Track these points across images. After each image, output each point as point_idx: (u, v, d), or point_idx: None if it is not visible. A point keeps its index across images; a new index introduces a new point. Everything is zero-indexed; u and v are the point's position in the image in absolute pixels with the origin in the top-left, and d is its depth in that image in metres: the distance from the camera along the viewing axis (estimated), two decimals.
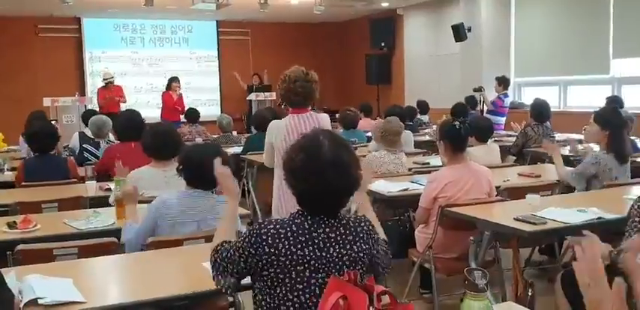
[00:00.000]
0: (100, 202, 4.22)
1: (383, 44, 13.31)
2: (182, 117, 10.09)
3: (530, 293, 3.46)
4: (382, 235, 2.31)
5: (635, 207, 2.79)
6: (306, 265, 1.95)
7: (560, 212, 3.46)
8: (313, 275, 1.95)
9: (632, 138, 5.74)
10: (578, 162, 4.80)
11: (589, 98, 9.43)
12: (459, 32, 10.70)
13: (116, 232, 3.30)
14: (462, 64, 11.21)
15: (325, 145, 2.01)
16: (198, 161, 3.19)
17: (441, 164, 5.07)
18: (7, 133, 8.54)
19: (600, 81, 9.34)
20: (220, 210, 3.20)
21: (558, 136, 7.37)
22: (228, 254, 2.08)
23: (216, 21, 14.23)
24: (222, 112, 12.91)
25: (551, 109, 7.13)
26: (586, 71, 9.49)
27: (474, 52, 10.88)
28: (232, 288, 2.10)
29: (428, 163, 5.63)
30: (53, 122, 8.37)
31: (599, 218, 3.38)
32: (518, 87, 10.99)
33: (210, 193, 3.24)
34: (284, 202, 3.90)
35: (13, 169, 5.52)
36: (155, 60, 13.85)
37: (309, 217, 2.01)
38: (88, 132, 6.69)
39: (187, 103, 11.52)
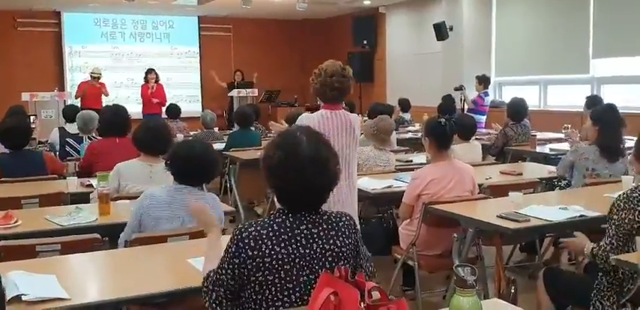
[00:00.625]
0: (81, 198, 4.19)
1: (365, 42, 13.31)
2: (163, 110, 10.01)
3: (512, 290, 3.49)
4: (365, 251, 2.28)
5: (615, 204, 2.83)
6: (292, 263, 1.93)
7: (542, 209, 3.49)
8: (300, 272, 1.93)
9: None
10: (557, 159, 4.88)
11: (569, 97, 9.51)
12: (441, 31, 10.73)
13: (99, 228, 3.29)
14: (443, 62, 11.26)
15: (303, 142, 1.98)
16: (187, 157, 3.19)
17: (423, 161, 5.12)
18: None
19: (580, 81, 9.42)
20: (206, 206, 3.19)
21: (539, 135, 7.42)
22: (218, 277, 2.02)
23: (198, 16, 14.14)
24: (203, 108, 12.89)
25: (532, 108, 7.21)
26: (566, 70, 9.56)
27: (455, 50, 10.93)
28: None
29: (411, 161, 5.66)
30: (32, 117, 8.30)
31: (582, 215, 3.42)
32: (499, 86, 11.05)
33: (198, 189, 3.23)
34: None
35: None
36: (136, 55, 13.73)
37: (289, 215, 1.99)
38: (68, 128, 6.64)
39: (168, 99, 11.43)
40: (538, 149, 6.48)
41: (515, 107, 6.86)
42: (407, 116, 9.86)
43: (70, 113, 7.13)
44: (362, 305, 1.47)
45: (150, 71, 11.44)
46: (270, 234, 1.95)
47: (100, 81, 11.38)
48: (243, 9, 11.95)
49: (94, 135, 6.17)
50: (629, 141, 4.77)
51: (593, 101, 7.28)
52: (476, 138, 7.24)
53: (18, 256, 2.74)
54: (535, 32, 10.04)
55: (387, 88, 13.12)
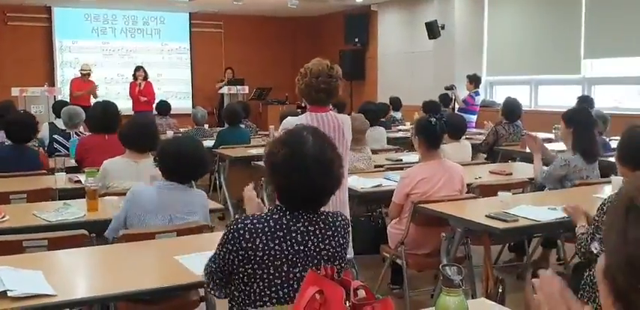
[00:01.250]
0: (69, 194, 4.16)
1: (357, 40, 13.30)
2: (154, 107, 9.97)
3: (500, 290, 3.50)
4: None
5: (600, 207, 2.84)
6: (284, 260, 1.94)
7: (531, 210, 3.49)
8: (291, 269, 1.94)
9: (605, 138, 5.81)
10: (547, 160, 4.86)
11: (560, 98, 9.54)
12: (433, 29, 10.74)
13: (87, 224, 3.27)
14: (435, 61, 11.27)
15: (309, 141, 1.99)
16: (176, 153, 3.18)
17: (413, 160, 5.12)
18: None
19: (571, 81, 9.45)
20: (194, 204, 3.18)
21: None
22: (215, 260, 2.06)
23: (189, 13, 14.08)
24: (193, 105, 12.84)
25: (523, 108, 7.21)
26: (557, 71, 9.59)
27: (447, 49, 10.94)
28: (219, 288, 2.10)
29: (401, 160, 5.65)
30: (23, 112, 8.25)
31: (569, 216, 3.42)
32: (490, 85, 11.07)
33: (186, 186, 3.21)
34: None
35: None
36: (126, 51, 13.65)
37: (287, 212, 1.99)
38: (59, 123, 6.60)
39: (158, 95, 11.39)
40: (528, 149, 6.48)
41: (509, 107, 6.88)
42: (398, 115, 9.87)
43: (59, 108, 7.10)
44: (347, 304, 1.47)
45: (138, 69, 11.35)
46: (266, 230, 1.95)
47: (89, 78, 11.29)
48: (234, 5, 11.93)
49: (81, 130, 6.14)
50: (615, 142, 4.81)
51: (584, 101, 7.32)
52: (466, 138, 7.28)
53: (4, 251, 2.72)
54: (527, 32, 10.06)
55: (378, 87, 13.11)
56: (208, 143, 7.07)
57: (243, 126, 7.42)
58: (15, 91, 9.90)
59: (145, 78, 11.28)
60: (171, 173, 3.17)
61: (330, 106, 3.61)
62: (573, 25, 9.13)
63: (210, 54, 14.19)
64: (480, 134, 7.73)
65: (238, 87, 12.26)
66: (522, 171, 5.17)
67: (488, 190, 4.13)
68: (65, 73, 12.90)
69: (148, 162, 3.91)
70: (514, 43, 10.27)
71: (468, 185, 4.16)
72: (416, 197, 3.79)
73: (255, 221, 1.97)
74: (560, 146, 5.20)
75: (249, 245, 1.93)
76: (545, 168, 4.65)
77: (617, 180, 3.99)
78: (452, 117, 5.96)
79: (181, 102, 13.62)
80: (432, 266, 3.90)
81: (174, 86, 13.99)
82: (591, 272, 2.87)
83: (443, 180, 3.86)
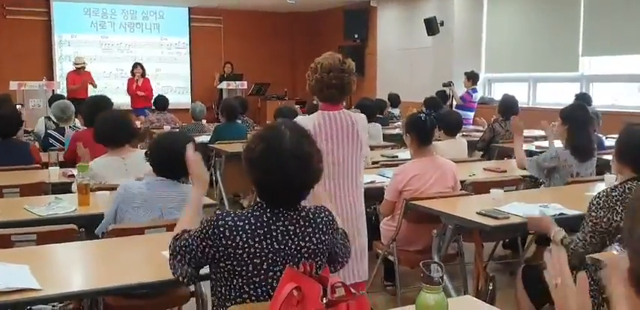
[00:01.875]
0: (63, 188, 4.16)
1: (356, 36, 13.28)
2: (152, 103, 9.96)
3: (490, 287, 3.50)
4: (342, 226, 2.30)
5: (594, 202, 2.84)
6: (264, 258, 1.93)
7: (522, 207, 3.49)
8: (271, 268, 1.93)
9: (599, 135, 5.80)
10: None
11: (558, 95, 9.53)
12: (432, 26, 10.73)
13: (77, 219, 3.26)
14: (433, 57, 11.26)
15: (286, 136, 1.97)
16: (167, 148, 3.17)
17: (409, 157, 5.10)
18: None
19: (569, 79, 9.45)
20: (185, 199, 3.18)
21: (526, 132, 7.42)
22: (187, 243, 2.03)
23: (188, 7, 14.06)
24: (192, 100, 12.83)
25: (521, 105, 7.19)
26: (555, 68, 9.59)
27: (445, 46, 10.93)
28: (189, 277, 2.06)
29: (396, 156, 5.64)
30: (19, 106, 8.26)
31: (561, 214, 3.42)
32: (489, 82, 11.07)
33: (177, 182, 3.21)
34: None
35: None
36: (125, 45, 13.64)
37: (268, 210, 1.98)
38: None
39: (157, 90, 11.37)
40: (524, 146, 6.47)
41: (506, 103, 6.87)
42: (396, 111, 9.84)
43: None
44: (324, 301, 1.47)
45: (135, 66, 11.31)
46: (247, 228, 1.94)
47: (85, 70, 11.28)
48: (233, 0, 11.91)
49: (77, 124, 6.12)
50: (612, 140, 4.80)
51: (581, 99, 7.31)
52: (463, 135, 7.27)
53: None
54: (525, 29, 10.05)
55: (377, 83, 13.10)
56: (205, 138, 7.07)
57: (239, 121, 7.40)
58: (13, 85, 9.92)
59: (143, 75, 11.24)
60: (162, 168, 3.16)
61: (343, 103, 3.40)
62: (572, 22, 9.12)
63: (210, 49, 14.17)
64: (478, 131, 7.71)
65: (237, 82, 12.26)
66: (517, 168, 5.15)
67: (481, 187, 4.12)
68: (64, 67, 12.87)
69: (134, 156, 3.91)
70: (513, 40, 10.26)
71: (461, 182, 4.16)
72: (408, 194, 3.79)
73: (235, 218, 1.95)
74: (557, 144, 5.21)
75: (229, 242, 1.92)
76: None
77: (610, 178, 3.99)
78: (448, 114, 5.96)
79: (180, 97, 13.62)
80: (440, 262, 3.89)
81: (173, 81, 13.98)
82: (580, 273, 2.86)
83: (435, 176, 3.86)
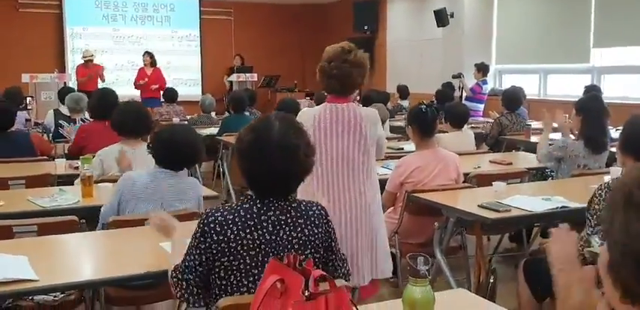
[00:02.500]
0: (68, 180, 4.20)
1: (366, 28, 13.24)
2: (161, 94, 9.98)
3: (491, 280, 3.49)
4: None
5: (597, 194, 2.81)
6: (258, 249, 1.93)
7: (525, 200, 3.47)
8: (266, 259, 1.92)
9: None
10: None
11: (569, 87, 9.46)
12: (441, 17, 10.67)
13: (80, 211, 3.30)
14: (443, 49, 11.20)
15: (275, 127, 1.98)
16: (168, 140, 3.18)
17: (414, 149, 5.10)
18: None
19: (580, 70, 9.36)
20: (186, 191, 3.19)
21: (536, 124, 7.39)
22: (185, 265, 2.00)
23: (199, 0, 14.08)
24: (203, 92, 12.84)
25: (531, 97, 7.16)
26: (566, 60, 9.50)
27: (455, 37, 10.87)
28: (198, 299, 2.02)
29: (402, 148, 5.63)
30: (29, 99, 8.31)
31: (563, 206, 3.41)
32: (499, 74, 11.00)
33: (178, 174, 3.22)
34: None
35: None
36: (136, 38, 13.67)
37: (257, 201, 1.99)
38: (64, 110, 6.65)
39: (168, 82, 11.37)
40: (533, 139, 6.46)
41: (509, 96, 6.84)
42: (405, 103, 9.82)
43: (65, 95, 7.14)
44: (305, 293, 1.47)
45: (144, 54, 11.32)
46: (237, 220, 1.95)
47: (94, 62, 11.31)
48: None
49: (87, 116, 6.16)
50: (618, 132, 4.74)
51: (591, 91, 7.25)
52: (472, 127, 7.24)
53: None
54: (536, 20, 9.97)
55: (387, 75, 13.06)
56: (213, 130, 7.09)
57: (247, 113, 7.41)
58: (25, 78, 9.96)
59: (153, 64, 11.22)
60: (164, 160, 3.18)
61: (353, 97, 3.23)
62: (583, 13, 9.03)
63: (220, 41, 14.17)
64: (488, 122, 7.68)
65: (247, 74, 12.26)
66: (523, 160, 5.14)
67: (485, 180, 4.10)
68: (76, 60, 12.88)
69: (143, 148, 3.93)
70: (523, 32, 10.18)
71: (465, 174, 4.15)
72: (410, 186, 3.78)
73: (225, 212, 1.96)
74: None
75: (221, 237, 1.93)
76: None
77: (616, 171, 3.95)
78: (454, 106, 5.93)
79: (191, 89, 13.64)
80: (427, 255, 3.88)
81: (184, 73, 14.00)
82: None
83: (438, 168, 3.85)
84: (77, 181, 3.89)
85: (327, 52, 3.13)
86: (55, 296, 2.87)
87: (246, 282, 1.95)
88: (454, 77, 9.79)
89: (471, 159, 5.00)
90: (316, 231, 2.02)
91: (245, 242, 1.93)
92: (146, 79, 10.91)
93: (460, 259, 4.05)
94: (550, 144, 5.09)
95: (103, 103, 4.99)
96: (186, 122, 8.03)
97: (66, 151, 4.91)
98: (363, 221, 3.14)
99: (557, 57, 9.59)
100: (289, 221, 1.98)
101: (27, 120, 7.18)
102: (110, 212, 3.12)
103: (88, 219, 3.23)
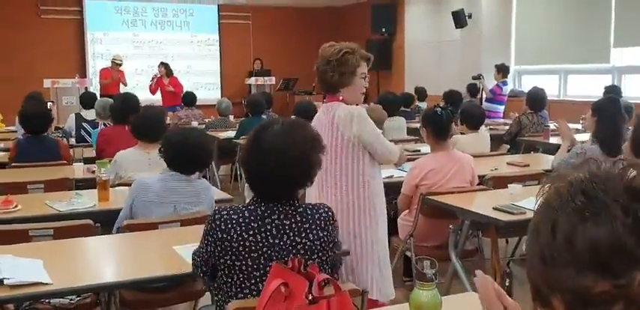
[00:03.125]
0: (86, 184, 4.23)
1: (384, 30, 13.22)
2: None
3: (507, 283, 3.46)
4: None
5: None
6: (260, 252, 1.95)
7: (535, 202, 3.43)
8: (268, 262, 1.94)
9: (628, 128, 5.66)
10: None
11: (589, 87, 9.37)
12: (459, 18, 10.62)
13: (96, 214, 3.32)
14: (462, 50, 11.15)
15: (273, 131, 2.01)
16: (179, 144, 3.21)
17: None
18: (7, 114, 8.55)
19: (600, 71, 9.27)
20: (197, 194, 3.22)
21: (556, 125, 7.33)
22: (198, 249, 2.10)
23: (218, 5, 14.15)
24: (222, 96, 12.91)
25: (551, 98, 7.10)
26: (586, 60, 9.41)
27: (474, 38, 10.81)
28: (206, 281, 2.15)
29: (418, 150, 5.60)
30: (50, 103, 8.41)
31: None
32: (518, 75, 10.92)
33: (189, 177, 3.25)
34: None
35: (7, 150, 5.55)
36: (156, 43, 13.78)
37: (262, 203, 2.00)
38: (85, 114, 6.74)
39: (187, 87, 11.41)
40: (552, 140, 6.41)
41: (533, 96, 6.81)
42: (423, 105, 9.79)
43: (87, 99, 7.25)
44: (309, 297, 1.47)
45: (159, 65, 11.31)
46: (240, 221, 1.97)
47: (120, 68, 11.44)
48: None
49: (109, 122, 6.23)
50: None
51: (611, 91, 7.18)
52: (490, 128, 7.21)
53: (11, 240, 2.77)
54: (555, 20, 9.88)
55: (405, 77, 13.03)
56: (230, 133, 7.13)
57: (265, 116, 7.43)
58: (47, 83, 10.07)
59: (169, 74, 11.19)
60: (175, 163, 3.20)
61: (335, 96, 3.10)
62: (603, 12, 8.94)
63: (239, 45, 14.24)
64: (507, 124, 7.64)
65: (265, 78, 12.31)
66: (541, 162, 5.10)
67: (501, 182, 4.07)
68: (97, 65, 13.04)
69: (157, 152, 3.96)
70: (542, 32, 10.10)
71: (482, 176, 4.12)
72: (425, 188, 3.76)
73: (231, 212, 1.99)
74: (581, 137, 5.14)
75: (225, 235, 1.96)
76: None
77: None
78: (470, 107, 5.90)
79: (210, 93, 13.74)
80: (442, 258, 3.86)
81: (204, 77, 14.10)
82: None
83: (453, 170, 3.83)
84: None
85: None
86: (71, 300, 2.90)
87: (248, 284, 1.97)
88: (474, 78, 9.75)
89: (489, 160, 4.97)
90: (321, 235, 2.02)
91: (247, 243, 1.95)
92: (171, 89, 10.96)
93: (475, 262, 4.02)
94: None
95: (125, 107, 5.05)
96: (204, 125, 8.09)
97: (84, 156, 4.96)
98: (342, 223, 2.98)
99: (576, 57, 9.50)
100: (293, 226, 1.99)
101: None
102: (125, 217, 3.15)
103: (104, 222, 3.25)
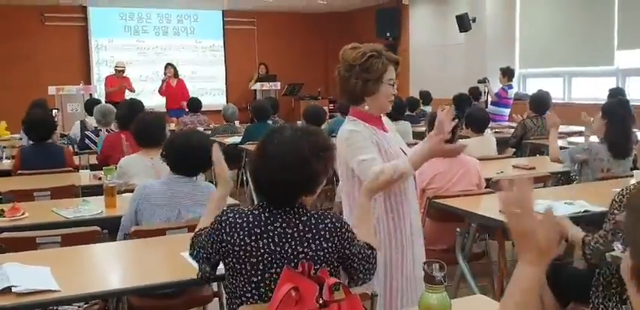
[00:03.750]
0: (93, 191, 4.24)
1: (388, 34, 13.24)
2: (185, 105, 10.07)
3: None
4: (370, 240, 2.18)
5: (616, 199, 2.78)
6: (260, 258, 1.94)
7: (547, 204, 3.42)
8: (267, 269, 1.94)
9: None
10: None
11: (593, 90, 9.35)
12: (463, 22, 10.63)
13: (103, 221, 3.33)
14: (466, 54, 11.15)
15: (277, 138, 2.01)
16: (181, 146, 3.21)
17: None
18: (12, 121, 8.57)
19: (605, 73, 9.26)
20: (202, 196, 3.22)
21: (561, 128, 7.31)
22: (201, 239, 2.10)
23: (222, 10, 14.19)
24: (227, 102, 12.93)
25: (556, 101, 7.10)
26: (590, 62, 9.40)
27: (478, 42, 10.81)
28: (204, 274, 2.11)
29: None
30: (55, 111, 8.44)
31: (586, 211, 3.37)
32: (523, 78, 10.91)
33: (193, 180, 3.25)
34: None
35: (12, 157, 5.56)
36: (161, 49, 13.82)
37: (267, 209, 2.00)
38: (90, 121, 6.75)
39: (192, 92, 11.46)
40: (559, 142, 6.39)
41: (537, 99, 6.82)
42: (428, 109, 9.79)
43: (91, 106, 7.26)
44: (320, 301, 1.47)
45: (166, 66, 11.38)
46: (244, 225, 1.97)
47: (124, 75, 11.48)
48: (266, 2, 11.99)
49: (112, 128, 6.25)
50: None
51: (615, 93, 7.18)
52: (496, 132, 7.20)
53: (19, 248, 2.79)
54: (559, 23, 9.89)
55: (409, 80, 13.04)
56: (237, 139, 7.13)
57: (270, 122, 7.44)
58: (52, 90, 10.11)
59: (176, 75, 11.31)
60: (177, 166, 3.21)
61: (366, 107, 2.75)
62: (606, 15, 8.94)
63: (244, 51, 14.28)
64: (511, 127, 7.63)
65: (271, 83, 12.33)
66: (546, 165, 5.09)
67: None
68: (101, 71, 13.11)
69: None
70: (546, 35, 10.09)
71: (488, 179, 4.12)
72: (432, 192, 3.76)
73: (236, 215, 2.00)
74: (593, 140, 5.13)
75: (228, 238, 1.97)
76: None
77: None
78: (475, 111, 5.89)
79: (216, 98, 13.77)
80: (450, 261, 3.85)
81: (209, 83, 14.14)
82: (602, 271, 2.82)
83: (459, 174, 3.83)
84: None
85: None
86: (79, 306, 2.90)
87: (249, 288, 1.97)
88: (479, 82, 9.75)
89: (495, 164, 4.97)
90: (325, 246, 1.97)
91: (248, 248, 1.95)
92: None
93: (483, 265, 4.02)
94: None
95: (131, 114, 5.06)
96: (209, 131, 8.10)
97: (90, 162, 4.97)
98: None
99: (581, 60, 9.50)
100: (295, 235, 1.96)
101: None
102: (129, 222, 3.15)
103: (111, 229, 3.26)
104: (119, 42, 13.49)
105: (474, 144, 5.10)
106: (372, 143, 2.70)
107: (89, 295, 2.29)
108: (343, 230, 2.02)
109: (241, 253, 1.95)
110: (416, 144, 6.32)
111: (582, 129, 7.05)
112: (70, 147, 6.21)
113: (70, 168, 4.94)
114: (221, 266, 2.10)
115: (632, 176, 4.07)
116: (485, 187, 4.03)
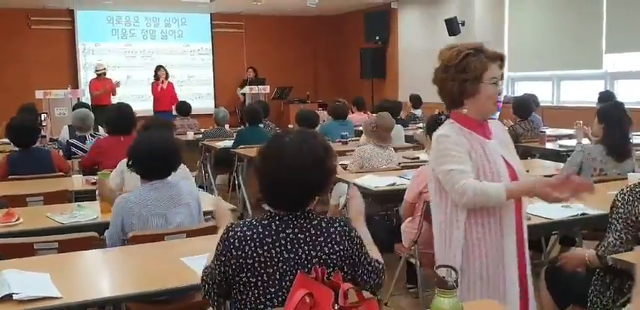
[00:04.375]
0: (86, 196, 4.21)
1: (377, 38, 13.26)
2: (174, 109, 10.04)
3: None
4: (376, 255, 2.15)
5: (619, 198, 2.78)
6: (275, 267, 1.92)
7: (544, 207, 3.44)
8: (283, 277, 1.92)
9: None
10: (567, 156, 4.81)
11: (582, 93, 9.42)
12: (452, 26, 10.68)
13: (99, 226, 3.30)
14: None
15: (283, 144, 2.00)
16: (144, 150, 3.18)
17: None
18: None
19: (593, 76, 9.32)
20: (182, 194, 3.19)
21: (550, 131, 7.38)
22: (209, 270, 2.05)
23: (210, 14, 14.15)
24: (215, 105, 12.89)
25: (545, 104, 7.14)
26: (579, 66, 9.46)
27: None
28: (217, 303, 2.07)
29: (417, 158, 5.61)
30: (43, 115, 8.37)
31: (583, 214, 3.38)
32: (512, 81, 10.97)
33: (167, 181, 3.21)
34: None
35: None
36: (148, 52, 13.76)
37: (277, 218, 1.98)
38: None
39: (180, 95, 11.45)
40: (548, 145, 6.46)
41: (519, 103, 6.89)
42: (418, 112, 9.82)
43: None
44: (335, 307, 1.46)
45: (159, 68, 11.39)
46: (255, 236, 1.94)
47: (106, 76, 11.42)
48: (254, 6, 11.96)
49: (95, 132, 6.17)
50: (637, 137, 4.72)
51: (605, 96, 7.23)
52: None
53: (16, 254, 2.76)
54: (548, 27, 9.95)
55: (399, 84, 13.06)
56: (228, 143, 7.10)
57: (262, 125, 7.41)
58: (39, 94, 10.01)
59: (167, 77, 11.32)
60: (148, 171, 3.18)
61: (464, 110, 2.60)
62: (594, 19, 9.01)
63: (232, 54, 14.25)
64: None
65: (260, 86, 12.30)
66: (540, 168, 5.11)
67: None
68: (88, 75, 12.96)
69: None
70: (535, 39, 10.15)
71: None
72: (428, 195, 3.75)
73: (244, 228, 1.96)
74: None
75: (239, 253, 1.93)
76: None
77: (635, 177, 3.92)
78: None
79: (204, 102, 13.72)
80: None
81: (197, 87, 14.09)
82: (601, 273, 2.83)
83: None
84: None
85: None
86: None
87: (263, 300, 1.94)
88: None
89: None
90: (337, 249, 1.97)
91: (262, 259, 1.92)
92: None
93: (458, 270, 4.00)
94: (566, 151, 5.08)
95: (120, 118, 5.02)
96: (200, 135, 8.07)
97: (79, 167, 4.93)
98: None
99: (569, 63, 9.55)
100: (308, 239, 1.95)
101: (42, 136, 7.20)
102: (115, 235, 3.11)
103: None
104: (106, 45, 13.42)
105: None
106: (464, 150, 2.48)
107: (91, 301, 2.26)
108: (352, 234, 2.02)
109: (255, 265, 1.92)
110: (409, 147, 6.40)
111: (572, 131, 7.10)
112: (60, 151, 6.14)
113: (62, 173, 4.89)
114: None
115: (625, 178, 4.08)
116: None
